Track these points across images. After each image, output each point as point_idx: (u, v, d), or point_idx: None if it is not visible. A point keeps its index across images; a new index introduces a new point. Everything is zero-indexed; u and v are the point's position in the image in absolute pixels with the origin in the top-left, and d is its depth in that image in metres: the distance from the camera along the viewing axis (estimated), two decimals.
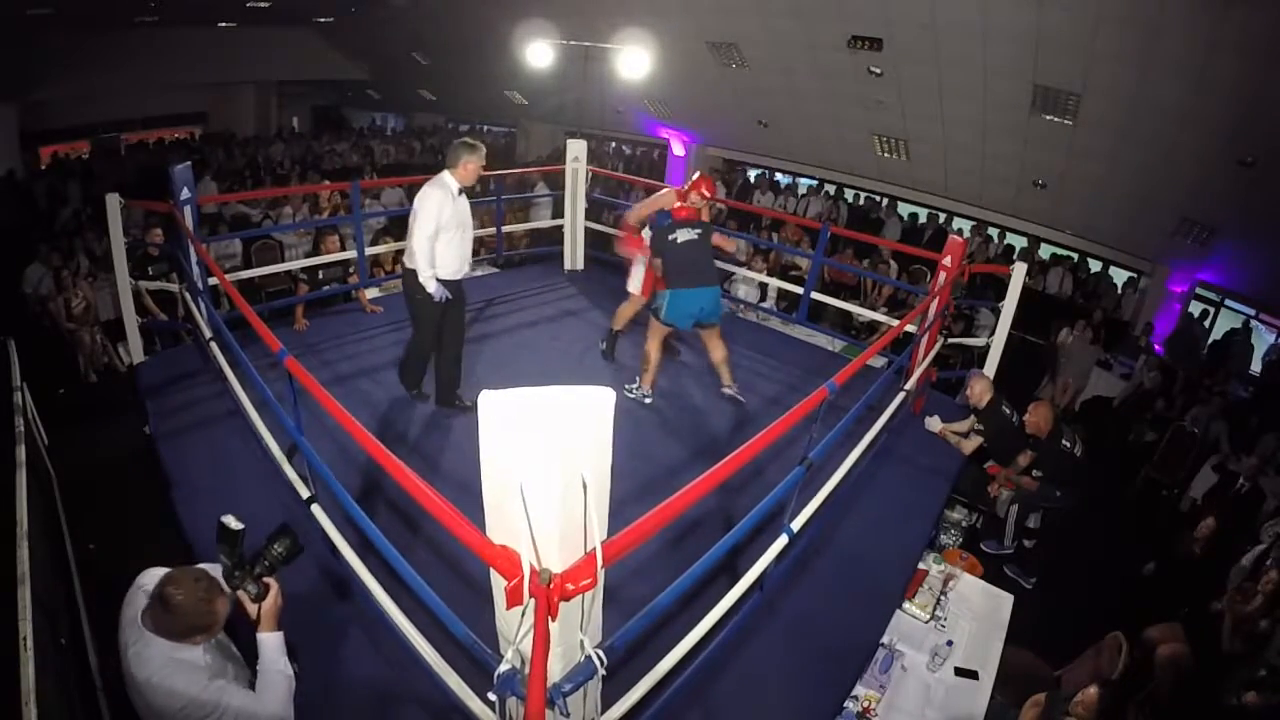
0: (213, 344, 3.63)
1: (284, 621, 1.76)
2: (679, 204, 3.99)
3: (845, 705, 2.53)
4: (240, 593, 1.69)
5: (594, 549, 1.38)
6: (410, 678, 2.20)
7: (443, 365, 3.85)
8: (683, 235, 3.81)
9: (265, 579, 1.73)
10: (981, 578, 3.47)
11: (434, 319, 3.66)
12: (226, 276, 3.50)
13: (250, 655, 1.77)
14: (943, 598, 3.16)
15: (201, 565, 1.74)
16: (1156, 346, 8.04)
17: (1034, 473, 4.08)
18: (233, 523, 1.69)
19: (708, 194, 3.93)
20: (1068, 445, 3.99)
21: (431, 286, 3.51)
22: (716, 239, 4.03)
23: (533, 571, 1.32)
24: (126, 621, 1.61)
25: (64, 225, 8.96)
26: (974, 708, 2.69)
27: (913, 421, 4.32)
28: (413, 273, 3.53)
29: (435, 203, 3.41)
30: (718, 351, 4.09)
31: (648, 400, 4.11)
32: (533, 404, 1.34)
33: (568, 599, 1.34)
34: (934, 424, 4.29)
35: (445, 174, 3.49)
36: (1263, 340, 8.26)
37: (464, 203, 3.57)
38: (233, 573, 1.69)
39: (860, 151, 9.68)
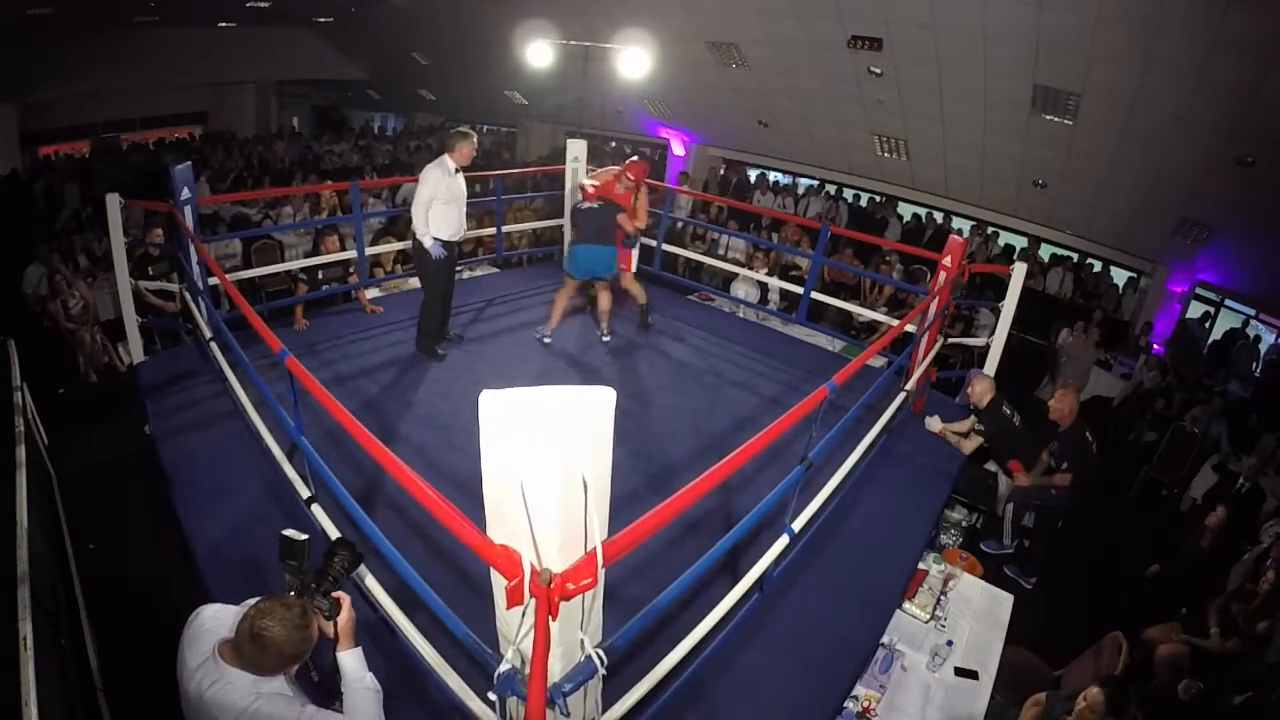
0: (213, 344, 3.63)
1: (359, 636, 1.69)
2: (615, 185, 4.80)
3: (845, 705, 2.53)
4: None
5: (594, 549, 1.38)
6: (410, 678, 2.20)
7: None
8: (585, 205, 4.73)
9: (334, 594, 1.63)
10: (981, 578, 3.47)
11: (443, 277, 4.33)
12: (226, 276, 3.50)
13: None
14: (943, 598, 3.16)
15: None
16: (1156, 347, 8.04)
17: (1063, 465, 4.02)
18: (296, 535, 1.61)
19: (632, 177, 4.70)
20: (1090, 438, 3.98)
21: (428, 242, 4.13)
22: (621, 218, 4.73)
23: (533, 571, 1.32)
24: (194, 664, 1.51)
25: (64, 225, 8.95)
26: (974, 708, 2.69)
27: (913, 421, 4.32)
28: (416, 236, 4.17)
29: (434, 178, 4.08)
30: (603, 302, 4.94)
31: (547, 341, 4.81)
32: (533, 404, 1.34)
33: (568, 599, 1.34)
34: (934, 424, 4.29)
35: (444, 156, 4.15)
36: (1263, 340, 8.26)
37: (459, 180, 4.22)
38: (301, 591, 1.59)
39: (860, 151, 9.68)
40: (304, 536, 1.62)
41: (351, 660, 1.64)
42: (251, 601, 1.53)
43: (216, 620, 1.60)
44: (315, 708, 1.55)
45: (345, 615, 1.64)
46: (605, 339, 4.95)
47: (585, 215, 4.70)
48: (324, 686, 1.69)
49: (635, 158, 4.83)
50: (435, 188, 4.07)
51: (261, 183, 11.13)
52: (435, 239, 4.14)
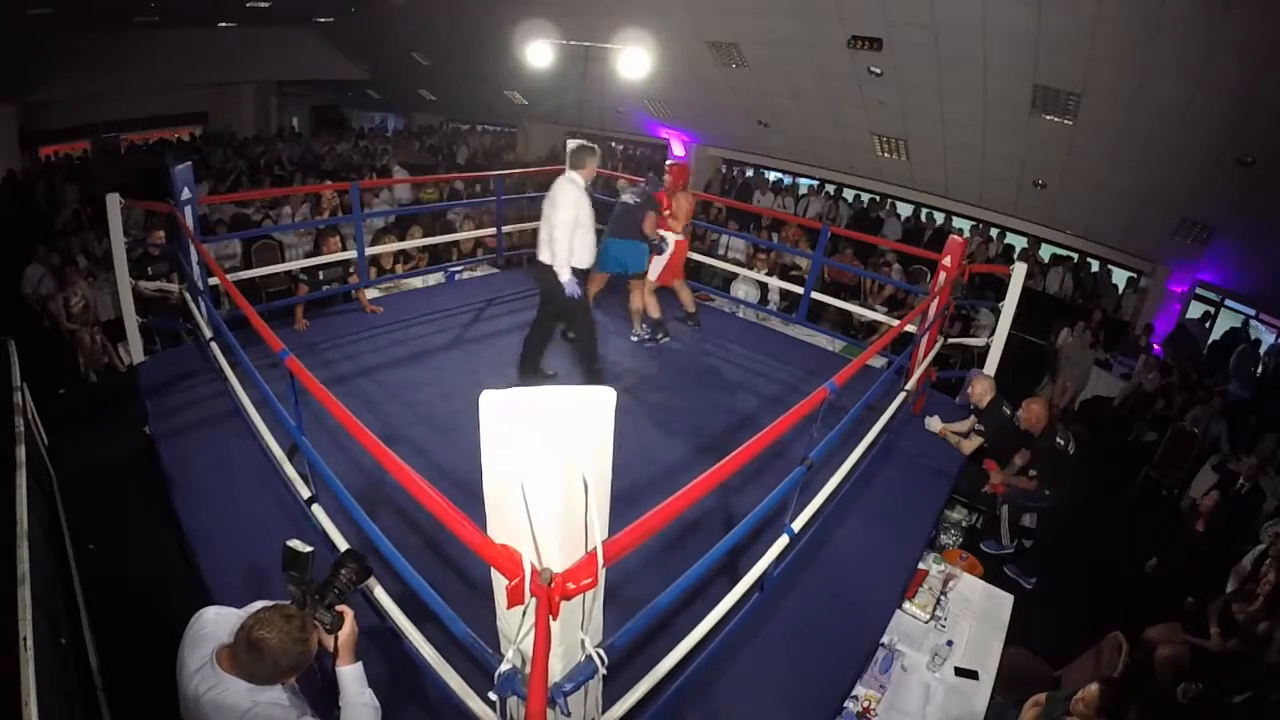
0: (213, 344, 3.63)
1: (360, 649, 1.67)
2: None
3: (845, 705, 2.53)
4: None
5: (595, 548, 1.38)
6: (410, 678, 2.20)
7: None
8: (621, 200, 4.69)
9: (338, 608, 1.61)
10: (981, 578, 3.47)
11: (586, 304, 3.83)
12: (227, 276, 3.50)
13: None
14: (943, 598, 3.16)
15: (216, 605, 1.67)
16: (1156, 347, 8.04)
17: (1030, 472, 4.08)
18: (300, 546, 1.60)
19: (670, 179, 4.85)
20: (1061, 443, 3.99)
21: (565, 276, 3.56)
22: (647, 222, 4.58)
23: (534, 571, 1.32)
24: (193, 667, 1.51)
25: (64, 225, 8.96)
26: (974, 708, 2.70)
27: (913, 421, 4.32)
28: (550, 268, 3.60)
29: (574, 198, 3.50)
30: (634, 301, 4.86)
31: (662, 339, 4.88)
32: (533, 404, 1.34)
33: (569, 598, 1.34)
34: (934, 424, 4.29)
35: (573, 173, 3.63)
36: (1263, 340, 8.26)
37: (588, 201, 3.74)
38: (304, 602, 1.57)
39: (860, 151, 9.68)
40: (309, 548, 1.61)
41: (351, 676, 1.62)
42: (254, 607, 1.52)
43: (217, 624, 1.59)
44: (313, 718, 1.54)
45: (347, 630, 1.62)
46: (634, 338, 4.94)
47: (619, 210, 4.65)
48: (326, 689, 1.68)
49: (670, 160, 4.85)
50: (579, 209, 3.50)
51: (260, 183, 11.13)
52: (573, 270, 3.61)
